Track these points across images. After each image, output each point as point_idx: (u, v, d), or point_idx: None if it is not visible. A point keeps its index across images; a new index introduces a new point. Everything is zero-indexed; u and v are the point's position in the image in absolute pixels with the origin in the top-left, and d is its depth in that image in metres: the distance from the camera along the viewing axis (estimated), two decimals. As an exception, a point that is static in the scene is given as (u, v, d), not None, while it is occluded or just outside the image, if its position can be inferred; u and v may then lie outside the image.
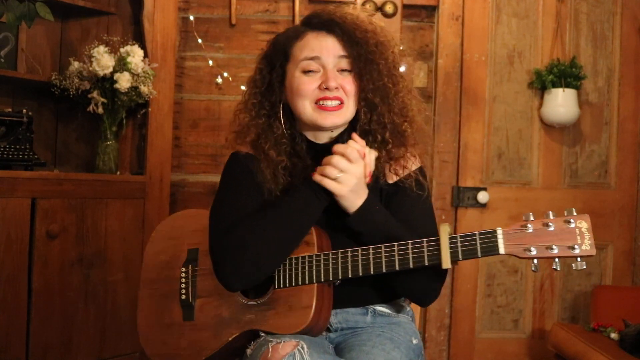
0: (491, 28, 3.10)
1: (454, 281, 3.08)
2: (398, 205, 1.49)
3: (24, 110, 2.61)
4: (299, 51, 1.50)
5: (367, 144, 1.47)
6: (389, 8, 2.98)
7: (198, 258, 1.56)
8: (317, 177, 1.42)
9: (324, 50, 1.48)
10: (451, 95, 3.08)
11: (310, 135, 1.55)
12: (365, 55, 1.47)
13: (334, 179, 1.40)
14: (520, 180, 3.13)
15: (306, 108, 1.49)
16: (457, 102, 3.08)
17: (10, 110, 2.63)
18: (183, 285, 1.55)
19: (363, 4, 2.96)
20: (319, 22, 1.51)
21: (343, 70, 1.49)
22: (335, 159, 1.40)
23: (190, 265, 1.56)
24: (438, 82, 3.08)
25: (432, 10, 3.10)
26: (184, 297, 1.54)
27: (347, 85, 1.48)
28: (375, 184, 1.50)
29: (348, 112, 1.50)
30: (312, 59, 1.48)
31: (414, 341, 1.51)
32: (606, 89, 3.15)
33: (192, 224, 1.62)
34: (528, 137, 3.12)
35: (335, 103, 1.48)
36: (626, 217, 3.14)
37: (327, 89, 1.46)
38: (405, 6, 3.03)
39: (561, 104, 2.99)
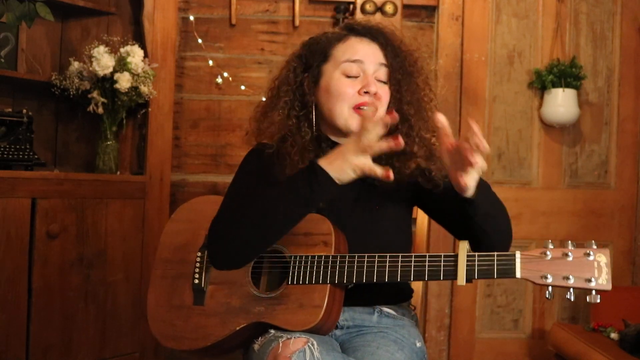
0: (491, 28, 3.10)
1: (454, 281, 3.07)
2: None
3: (24, 110, 2.60)
4: (341, 53, 1.50)
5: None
6: (389, 8, 2.98)
7: None
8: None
9: (368, 55, 1.49)
10: (451, 95, 3.08)
11: (336, 139, 1.54)
12: (405, 68, 1.49)
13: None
14: (520, 180, 3.13)
15: (343, 111, 1.48)
16: (457, 102, 3.08)
17: (10, 110, 2.63)
18: (197, 270, 1.54)
19: (363, 4, 2.96)
20: (362, 29, 1.52)
21: (379, 81, 1.50)
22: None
23: (205, 251, 1.55)
24: (438, 82, 3.07)
25: (432, 10, 3.10)
26: (196, 281, 1.53)
27: (384, 94, 1.49)
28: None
29: None
30: (354, 61, 1.48)
31: (418, 344, 1.51)
32: (606, 89, 3.15)
33: (211, 210, 1.60)
34: (528, 137, 3.12)
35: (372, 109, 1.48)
36: (626, 217, 3.14)
37: (367, 93, 1.46)
38: (405, 6, 3.03)
39: (561, 104, 2.99)
